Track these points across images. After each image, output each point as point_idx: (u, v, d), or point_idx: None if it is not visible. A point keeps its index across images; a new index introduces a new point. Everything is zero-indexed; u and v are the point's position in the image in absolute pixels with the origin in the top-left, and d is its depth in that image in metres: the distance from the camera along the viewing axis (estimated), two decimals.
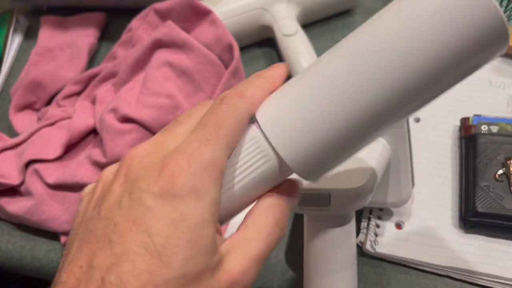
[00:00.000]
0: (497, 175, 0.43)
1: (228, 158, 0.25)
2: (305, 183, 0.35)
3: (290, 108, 0.25)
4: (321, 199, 0.35)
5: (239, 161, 0.26)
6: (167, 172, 0.22)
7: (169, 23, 0.52)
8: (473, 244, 0.42)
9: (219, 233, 0.24)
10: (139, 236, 0.21)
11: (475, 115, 0.48)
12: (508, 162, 0.44)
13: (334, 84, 0.24)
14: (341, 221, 0.36)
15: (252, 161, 0.26)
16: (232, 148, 0.25)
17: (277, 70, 0.27)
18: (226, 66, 0.53)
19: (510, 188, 0.42)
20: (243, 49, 0.64)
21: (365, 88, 0.24)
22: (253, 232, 0.24)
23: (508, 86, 0.52)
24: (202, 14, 0.54)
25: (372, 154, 0.38)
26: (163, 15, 0.55)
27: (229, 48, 0.53)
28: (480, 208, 0.42)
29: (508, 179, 0.43)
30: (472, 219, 0.42)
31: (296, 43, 0.58)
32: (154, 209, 0.22)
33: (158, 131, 0.46)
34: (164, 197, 0.22)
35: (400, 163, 0.40)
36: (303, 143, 0.25)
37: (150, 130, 0.48)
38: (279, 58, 0.61)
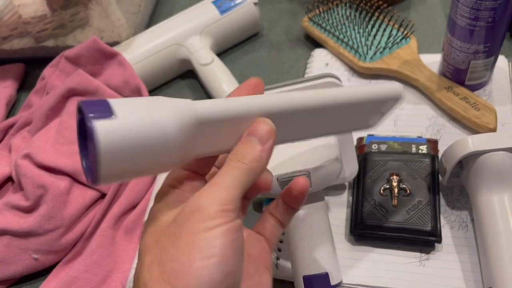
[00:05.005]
0: (381, 190, 0.48)
1: None
2: (285, 169, 0.40)
3: None
4: None
5: None
6: None
7: (80, 71, 0.55)
8: (363, 259, 0.46)
9: None
10: None
11: (368, 135, 0.53)
12: (391, 177, 0.48)
13: None
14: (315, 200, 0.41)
15: None
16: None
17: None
18: None
19: (391, 201, 0.47)
20: (168, 83, 0.68)
21: None
22: None
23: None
24: (110, 56, 0.58)
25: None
26: (74, 61, 0.58)
27: (137, 90, 0.56)
28: (367, 221, 0.46)
29: (391, 193, 0.47)
30: (360, 231, 0.46)
31: (214, 70, 0.62)
32: None
33: (82, 177, 0.49)
34: None
35: (347, 140, 0.46)
36: None
37: (75, 178, 0.50)
38: (202, 86, 0.65)
